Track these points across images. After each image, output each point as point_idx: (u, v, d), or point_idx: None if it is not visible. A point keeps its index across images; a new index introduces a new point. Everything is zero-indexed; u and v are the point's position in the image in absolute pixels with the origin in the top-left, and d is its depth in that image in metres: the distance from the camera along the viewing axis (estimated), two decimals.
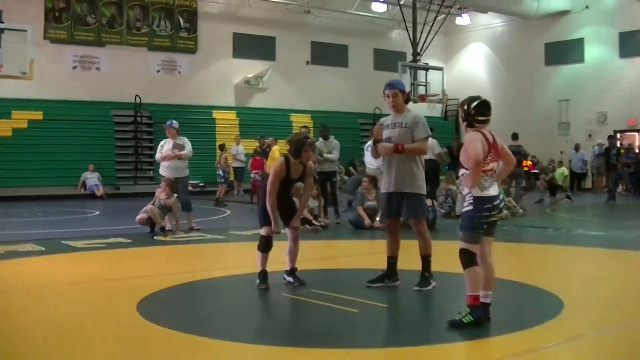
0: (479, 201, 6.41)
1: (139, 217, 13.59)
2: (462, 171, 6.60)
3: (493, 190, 6.47)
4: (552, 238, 13.33)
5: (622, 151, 28.27)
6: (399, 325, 6.78)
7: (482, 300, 6.47)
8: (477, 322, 6.23)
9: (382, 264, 8.39)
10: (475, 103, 6.60)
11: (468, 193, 6.49)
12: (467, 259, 6.46)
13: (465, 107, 6.61)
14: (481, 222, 6.42)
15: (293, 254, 8.44)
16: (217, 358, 5.51)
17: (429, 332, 6.44)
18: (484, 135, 6.51)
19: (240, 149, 26.45)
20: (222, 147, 24.57)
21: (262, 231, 8.31)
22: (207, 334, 6.14)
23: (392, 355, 5.66)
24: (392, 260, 8.34)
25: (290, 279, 8.37)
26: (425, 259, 8.19)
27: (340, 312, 6.99)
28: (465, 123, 6.66)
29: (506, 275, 9.09)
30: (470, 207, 6.43)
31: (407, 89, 8.51)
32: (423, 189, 8.22)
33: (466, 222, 6.48)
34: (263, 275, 8.25)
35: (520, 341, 5.91)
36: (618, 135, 31.27)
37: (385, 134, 8.24)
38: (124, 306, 7.24)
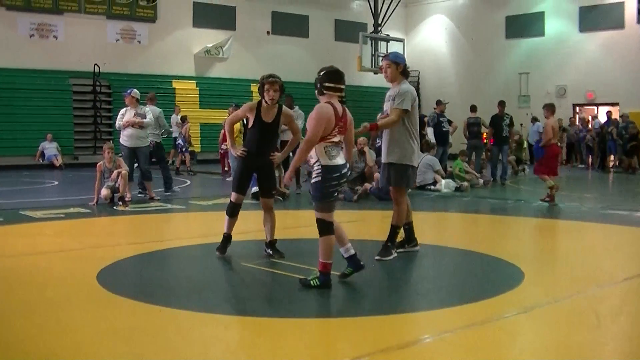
0: (327, 170, 6.58)
1: (103, 193, 13.32)
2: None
3: (340, 159, 6.68)
4: (512, 209, 13.46)
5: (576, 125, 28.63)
6: (356, 295, 6.77)
7: (346, 255, 6.84)
8: (323, 286, 6.56)
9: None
10: (326, 70, 6.80)
11: (315, 162, 6.63)
12: (323, 227, 6.68)
13: (317, 74, 6.79)
14: (331, 191, 6.64)
15: (270, 225, 8.27)
16: (178, 328, 5.50)
17: (386, 302, 6.47)
18: (335, 108, 6.64)
19: (176, 119, 26.08)
20: (184, 119, 24.58)
21: (231, 196, 8.32)
22: (167, 304, 6.11)
23: (348, 324, 5.66)
24: (406, 226, 8.45)
25: (269, 252, 8.25)
26: (393, 229, 8.26)
27: (299, 282, 6.98)
28: (316, 91, 6.81)
29: (467, 245, 9.22)
30: (319, 178, 6.59)
31: (403, 60, 8.37)
32: (409, 159, 8.20)
33: (317, 192, 6.67)
34: (224, 238, 8.30)
35: (480, 311, 5.96)
36: (577, 109, 31.58)
37: (385, 106, 8.34)
38: (84, 276, 7.19)
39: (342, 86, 6.81)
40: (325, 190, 6.61)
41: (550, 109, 14.70)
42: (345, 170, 6.69)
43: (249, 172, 8.31)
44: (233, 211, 8.27)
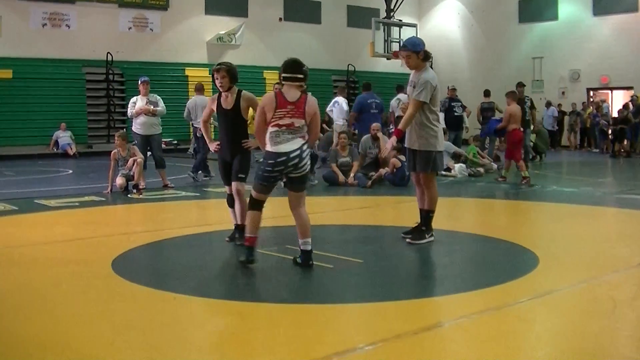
0: (267, 155, 6.86)
1: (119, 182, 13.35)
2: None
3: (286, 146, 6.81)
4: (526, 194, 13.40)
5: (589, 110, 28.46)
6: (371, 281, 6.75)
7: (302, 247, 7.00)
8: (248, 262, 6.94)
9: (356, 220, 8.40)
10: (285, 61, 7.17)
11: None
12: (250, 203, 7.08)
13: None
14: (265, 175, 6.87)
15: (239, 208, 8.21)
16: (193, 315, 5.52)
17: (401, 288, 6.46)
18: (279, 93, 6.94)
19: None
20: None
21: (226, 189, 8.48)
22: (182, 291, 6.13)
23: (363, 310, 5.66)
24: (424, 213, 8.42)
25: (236, 235, 8.27)
26: (426, 213, 8.24)
27: (315, 268, 7.00)
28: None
29: (482, 230, 9.20)
30: (261, 159, 6.95)
31: (421, 47, 8.14)
32: (433, 146, 8.15)
33: (256, 171, 7.02)
34: (234, 229, 8.37)
35: (495, 296, 5.95)
36: (591, 93, 31.38)
37: (408, 91, 8.37)
38: (99, 264, 7.22)
39: (299, 75, 7.05)
40: (261, 173, 6.89)
41: (511, 96, 15.69)
42: (284, 159, 6.78)
43: (228, 163, 8.31)
44: (231, 201, 8.39)
